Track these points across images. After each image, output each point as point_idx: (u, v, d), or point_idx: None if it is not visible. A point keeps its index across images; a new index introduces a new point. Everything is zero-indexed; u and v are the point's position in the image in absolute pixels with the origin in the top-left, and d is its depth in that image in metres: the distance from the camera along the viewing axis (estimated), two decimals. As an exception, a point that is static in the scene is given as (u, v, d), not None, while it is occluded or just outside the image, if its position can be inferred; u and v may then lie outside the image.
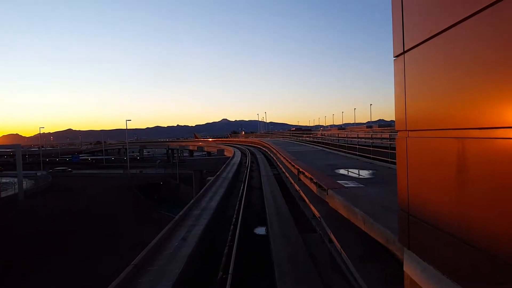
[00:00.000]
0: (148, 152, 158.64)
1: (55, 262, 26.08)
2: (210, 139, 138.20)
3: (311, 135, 40.81)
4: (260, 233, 12.73)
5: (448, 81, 2.22)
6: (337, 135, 28.96)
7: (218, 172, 28.05)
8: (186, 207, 15.06)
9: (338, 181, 9.02)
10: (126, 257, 10.23)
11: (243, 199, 17.45)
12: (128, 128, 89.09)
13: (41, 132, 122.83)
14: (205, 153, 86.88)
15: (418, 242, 2.65)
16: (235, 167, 32.75)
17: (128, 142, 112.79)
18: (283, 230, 11.29)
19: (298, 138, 44.84)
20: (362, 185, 8.44)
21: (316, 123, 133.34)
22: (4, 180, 53.81)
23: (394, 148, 3.70)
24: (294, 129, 79.46)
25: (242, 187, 21.12)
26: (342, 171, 11.49)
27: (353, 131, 45.35)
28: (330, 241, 7.24)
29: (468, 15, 1.92)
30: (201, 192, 19.46)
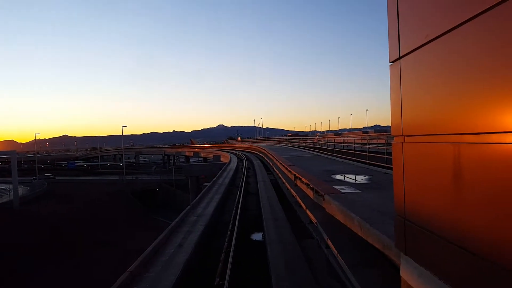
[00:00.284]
0: (144, 158, 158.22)
1: (47, 270, 25.84)
2: (207, 145, 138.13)
3: (307, 141, 40.84)
4: (257, 239, 12.70)
5: (444, 86, 2.22)
6: (333, 141, 29.02)
7: (215, 178, 28.01)
8: (183, 213, 15.01)
9: (335, 187, 9.02)
10: (121, 263, 10.16)
11: (240, 205, 17.41)
12: (124, 134, 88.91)
13: (36, 138, 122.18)
14: (202, 159, 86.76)
15: (414, 247, 2.64)
16: (231, 172, 32.71)
17: (124, 148, 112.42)
18: (280, 235, 11.26)
19: (295, 143, 44.87)
20: (358, 191, 8.44)
21: (313, 129, 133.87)
22: (-1, 186, 53.42)
23: (390, 154, 3.71)
24: (290, 134, 79.61)
25: (238, 193, 21.09)
26: (338, 177, 11.49)
27: (349, 136, 45.46)
28: (327, 246, 7.22)
29: (464, 20, 1.93)
30: (197, 198, 19.42)
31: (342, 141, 24.48)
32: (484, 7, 1.76)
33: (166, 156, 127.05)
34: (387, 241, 4.50)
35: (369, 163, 14.53)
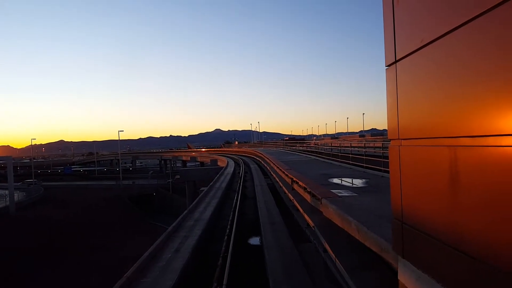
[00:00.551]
0: (140, 163, 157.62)
1: (43, 274, 25.69)
2: (203, 149, 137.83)
3: (304, 145, 40.90)
4: (255, 244, 12.66)
5: (440, 89, 2.23)
6: (330, 144, 29.06)
7: (212, 183, 27.94)
8: (180, 218, 14.96)
9: (332, 190, 9.03)
10: (118, 268, 10.10)
11: (237, 209, 17.38)
12: (120, 139, 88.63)
13: (32, 144, 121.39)
14: (198, 163, 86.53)
15: (412, 251, 2.64)
16: (228, 177, 32.67)
17: (121, 153, 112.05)
18: (278, 240, 11.24)
19: (292, 147, 44.92)
20: (355, 194, 8.45)
21: (309, 133, 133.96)
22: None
23: (387, 157, 3.72)
24: (287, 138, 79.67)
25: (236, 197, 21.05)
26: (335, 180, 11.50)
27: (346, 140, 45.53)
28: (325, 250, 7.21)
29: (459, 24, 1.94)
30: (194, 202, 19.36)
31: (339, 145, 24.51)
32: (479, 11, 1.77)
33: (163, 161, 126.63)
34: (384, 245, 4.50)
35: (366, 166, 14.56)
